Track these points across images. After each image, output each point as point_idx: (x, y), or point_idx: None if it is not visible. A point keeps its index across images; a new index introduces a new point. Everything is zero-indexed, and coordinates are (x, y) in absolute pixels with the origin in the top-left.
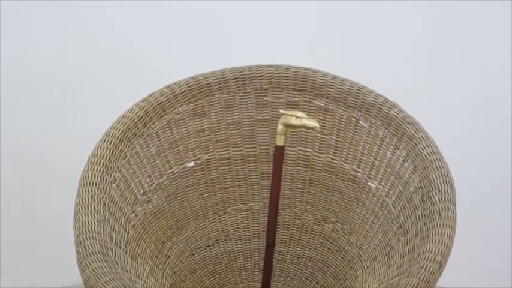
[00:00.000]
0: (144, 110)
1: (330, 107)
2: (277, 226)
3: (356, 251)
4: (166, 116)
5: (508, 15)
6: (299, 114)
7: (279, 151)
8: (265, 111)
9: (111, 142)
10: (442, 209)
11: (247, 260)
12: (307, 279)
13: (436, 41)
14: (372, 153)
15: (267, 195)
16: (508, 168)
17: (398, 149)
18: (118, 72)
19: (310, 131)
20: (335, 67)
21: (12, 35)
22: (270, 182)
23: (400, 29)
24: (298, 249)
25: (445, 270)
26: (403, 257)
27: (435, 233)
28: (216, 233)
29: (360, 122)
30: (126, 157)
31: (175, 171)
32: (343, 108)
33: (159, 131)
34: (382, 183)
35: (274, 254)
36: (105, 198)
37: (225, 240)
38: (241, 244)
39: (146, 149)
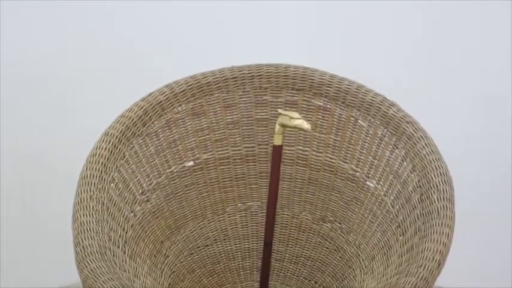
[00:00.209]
0: (143, 109)
1: (328, 106)
2: (276, 225)
3: (354, 250)
4: (165, 116)
5: (508, 15)
6: (294, 115)
7: (277, 150)
8: (264, 111)
9: (109, 142)
10: (440, 208)
11: (245, 259)
12: (306, 279)
13: (436, 41)
14: (371, 152)
15: (265, 194)
16: (508, 168)
17: (397, 148)
18: (118, 72)
19: (305, 131)
20: (335, 67)
21: (12, 35)
22: (268, 182)
23: (400, 29)
24: (297, 248)
25: (444, 270)
26: (402, 256)
27: (434, 232)
28: (215, 232)
29: (359, 121)
30: (124, 157)
31: (174, 170)
32: (341, 107)
33: (158, 131)
34: (381, 182)
35: (273, 254)
36: (104, 198)
37: (224, 239)
38: (239, 243)
39: (145, 148)
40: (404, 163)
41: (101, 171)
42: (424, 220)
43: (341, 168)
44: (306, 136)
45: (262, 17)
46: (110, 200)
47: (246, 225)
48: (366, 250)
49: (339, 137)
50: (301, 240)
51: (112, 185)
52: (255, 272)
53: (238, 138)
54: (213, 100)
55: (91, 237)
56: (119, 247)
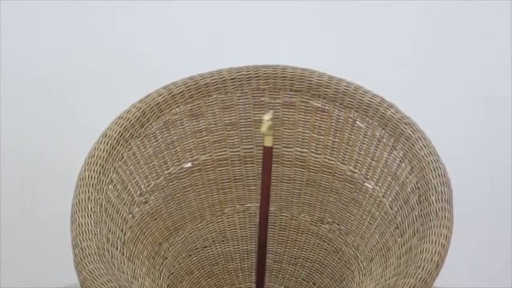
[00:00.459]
0: (141, 110)
1: (326, 107)
2: (274, 227)
3: (353, 251)
4: (163, 117)
5: (508, 15)
6: (266, 116)
7: (268, 152)
8: (263, 112)
9: (107, 143)
10: (439, 209)
11: (244, 261)
12: (304, 280)
13: (436, 41)
14: (369, 153)
15: None
16: (508, 168)
17: (395, 149)
18: (118, 72)
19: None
20: (334, 67)
21: (12, 35)
22: (261, 184)
23: (400, 29)
24: (295, 250)
25: (444, 271)
26: (400, 257)
27: (432, 234)
28: (213, 233)
29: (357, 122)
30: (123, 158)
31: (173, 172)
32: (340, 108)
33: (156, 132)
34: (379, 183)
35: (271, 255)
36: (102, 199)
37: (222, 241)
38: (238, 245)
39: (143, 149)
40: (403, 164)
41: (99, 173)
42: (423, 221)
43: (339, 170)
44: (304, 137)
45: (261, 17)
46: (108, 202)
47: (245, 226)
48: (364, 251)
49: (337, 138)
50: (300, 241)
51: (110, 186)
52: (253, 273)
53: (236, 140)
54: (211, 101)
55: (89, 239)
56: (117, 249)
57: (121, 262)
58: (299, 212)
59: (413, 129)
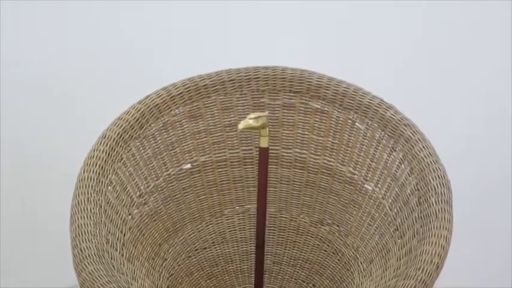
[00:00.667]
0: (140, 111)
1: (326, 108)
2: (274, 228)
3: (353, 253)
4: (162, 118)
5: (508, 15)
6: (250, 115)
7: (264, 153)
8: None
9: (107, 144)
10: (438, 211)
11: (243, 262)
12: (304, 282)
13: (436, 41)
14: (369, 155)
15: None
16: (508, 168)
17: (394, 151)
18: (118, 72)
19: (306, 132)
20: (333, 68)
21: (12, 35)
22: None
23: (400, 29)
24: (295, 251)
25: (444, 271)
26: (400, 259)
27: (432, 235)
28: (213, 235)
29: (356, 123)
30: (122, 159)
31: (172, 173)
32: (339, 110)
33: (156, 133)
34: (379, 185)
35: (271, 256)
36: (102, 200)
37: (222, 242)
38: (237, 246)
39: (142, 151)
40: (402, 166)
41: (99, 174)
42: (422, 223)
43: (339, 171)
44: (303, 139)
45: (261, 18)
46: (108, 203)
47: (244, 228)
48: (364, 253)
49: (337, 139)
50: (299, 243)
51: (110, 187)
52: (253, 274)
53: (235, 141)
54: (211, 103)
55: (89, 240)
56: (116, 250)
57: (120, 263)
58: (298, 214)
59: (413, 131)
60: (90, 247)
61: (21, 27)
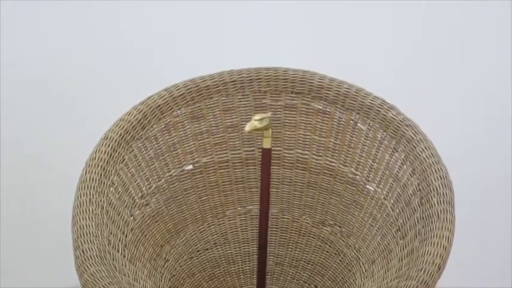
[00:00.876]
0: (142, 113)
1: (328, 109)
2: (276, 229)
3: (354, 254)
4: (164, 119)
5: (508, 15)
6: (255, 116)
7: (266, 154)
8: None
9: (109, 145)
10: (440, 211)
11: (245, 263)
12: (306, 283)
13: (436, 41)
14: (370, 155)
15: None
16: (508, 168)
17: (396, 151)
18: (118, 72)
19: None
20: (334, 68)
21: (12, 35)
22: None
23: (400, 29)
24: (297, 252)
25: (445, 271)
26: (402, 259)
27: (434, 236)
28: (215, 236)
29: (358, 124)
30: (124, 160)
31: (174, 174)
32: (341, 110)
33: (158, 134)
34: (381, 185)
35: (273, 257)
36: (103, 201)
37: (224, 243)
38: (239, 247)
39: (144, 152)
40: (404, 166)
41: (101, 175)
42: (424, 223)
43: (341, 172)
44: (305, 140)
45: (261, 19)
46: (110, 204)
47: (246, 228)
48: (366, 254)
49: (339, 140)
50: (301, 243)
51: (111, 188)
52: (255, 275)
53: (237, 142)
54: (212, 104)
55: (90, 241)
56: (118, 251)
57: (122, 264)
58: (300, 214)
59: (415, 131)
60: (92, 248)
61: (21, 27)
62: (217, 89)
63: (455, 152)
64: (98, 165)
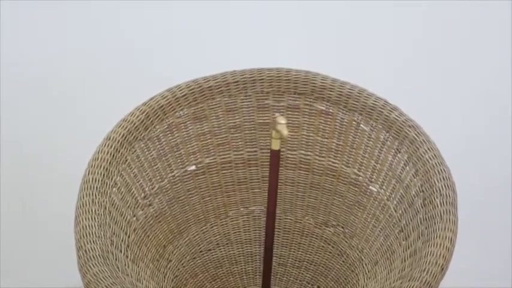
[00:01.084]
0: (145, 113)
1: (330, 110)
2: (278, 230)
3: (357, 254)
4: (167, 120)
5: (508, 15)
6: (281, 120)
7: (275, 155)
8: (267, 115)
9: (111, 146)
10: (443, 212)
11: (248, 264)
12: (309, 283)
13: (436, 41)
14: (373, 156)
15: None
16: (508, 168)
17: (399, 152)
18: (118, 72)
19: (311, 134)
20: (334, 69)
21: (12, 35)
22: (268, 186)
23: (400, 29)
24: (299, 253)
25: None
26: (405, 260)
27: (437, 237)
28: (218, 236)
29: (361, 125)
30: (127, 161)
31: (177, 175)
32: (343, 111)
33: (160, 135)
34: (384, 187)
35: (275, 258)
36: (106, 202)
37: (227, 244)
38: (242, 248)
39: (147, 152)
40: (407, 167)
41: (103, 176)
42: (427, 225)
43: (343, 173)
44: (308, 140)
45: (261, 19)
46: (112, 204)
47: (249, 229)
48: (369, 254)
49: (341, 141)
50: (304, 244)
51: (114, 189)
52: (257, 276)
53: (240, 143)
54: (215, 104)
55: (93, 241)
56: (121, 251)
57: (125, 265)
58: (303, 215)
59: (418, 132)
60: (94, 248)
61: (21, 27)
62: (220, 89)
63: (455, 152)
64: (101, 166)
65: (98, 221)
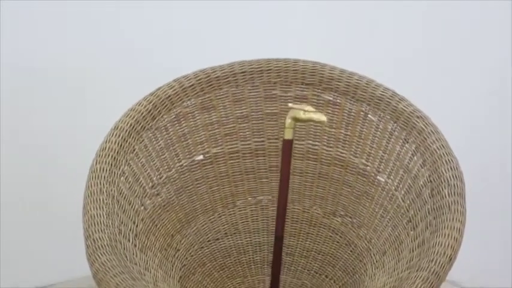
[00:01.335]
0: (152, 103)
1: (338, 100)
2: (286, 220)
3: (365, 244)
4: (174, 110)
5: (508, 15)
6: (307, 108)
7: (288, 145)
8: (274, 105)
9: (119, 135)
10: (451, 203)
11: (256, 253)
12: (317, 273)
13: (436, 41)
14: (381, 147)
15: (275, 188)
16: (508, 168)
17: (407, 142)
18: (118, 72)
19: (318, 124)
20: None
21: (12, 35)
22: (279, 176)
23: (400, 29)
24: (307, 242)
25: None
26: (413, 251)
27: (445, 227)
28: (225, 226)
29: (369, 115)
30: (134, 150)
31: (184, 164)
32: (351, 102)
33: (168, 125)
34: (391, 177)
35: (284, 248)
36: (114, 191)
37: (234, 233)
38: (250, 237)
39: (155, 142)
40: (415, 157)
41: (111, 165)
42: (435, 215)
43: (351, 163)
44: (316, 131)
45: (261, 19)
46: (120, 194)
47: (257, 219)
48: (377, 244)
49: (349, 131)
50: (312, 234)
51: (122, 178)
52: (265, 265)
53: (247, 133)
54: (223, 94)
55: (101, 230)
56: (129, 240)
57: (133, 254)
58: (311, 205)
59: (426, 123)
60: (102, 237)
61: (21, 27)
62: (227, 79)
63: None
64: (109, 155)
65: (106, 210)
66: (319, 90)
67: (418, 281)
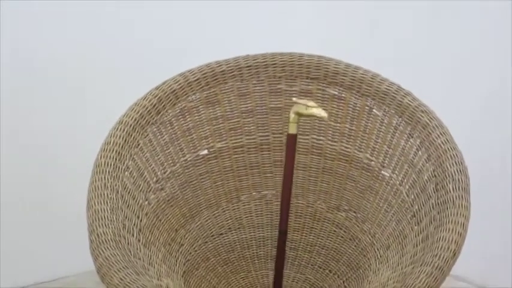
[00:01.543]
0: (157, 97)
1: (343, 95)
2: (290, 214)
3: (369, 239)
4: (179, 104)
5: (508, 15)
6: (310, 103)
7: (292, 139)
8: (279, 100)
9: (124, 130)
10: (456, 197)
11: (260, 248)
12: (320, 268)
13: (435, 41)
14: (386, 141)
15: (280, 183)
16: (508, 169)
17: (412, 137)
18: (118, 71)
19: (323, 119)
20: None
21: (12, 35)
22: (283, 170)
23: (400, 29)
24: (311, 237)
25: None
26: (417, 245)
27: (449, 222)
28: (229, 221)
29: (374, 110)
30: (139, 145)
31: (189, 159)
32: (356, 96)
33: (172, 119)
34: (396, 171)
35: (287, 242)
36: (118, 186)
37: (238, 228)
38: (254, 232)
39: (159, 136)
40: (420, 152)
41: (115, 159)
42: (440, 209)
43: (356, 158)
44: (320, 125)
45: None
46: (125, 188)
47: (261, 213)
48: (381, 239)
49: (354, 126)
50: (316, 229)
51: (126, 173)
52: (269, 260)
53: (252, 127)
54: (227, 89)
55: (105, 225)
56: (133, 235)
57: (137, 248)
58: (315, 200)
59: (430, 117)
60: (107, 232)
61: (21, 27)
62: (232, 74)
63: None
64: (113, 150)
65: (110, 205)
66: (324, 85)
67: (422, 275)
